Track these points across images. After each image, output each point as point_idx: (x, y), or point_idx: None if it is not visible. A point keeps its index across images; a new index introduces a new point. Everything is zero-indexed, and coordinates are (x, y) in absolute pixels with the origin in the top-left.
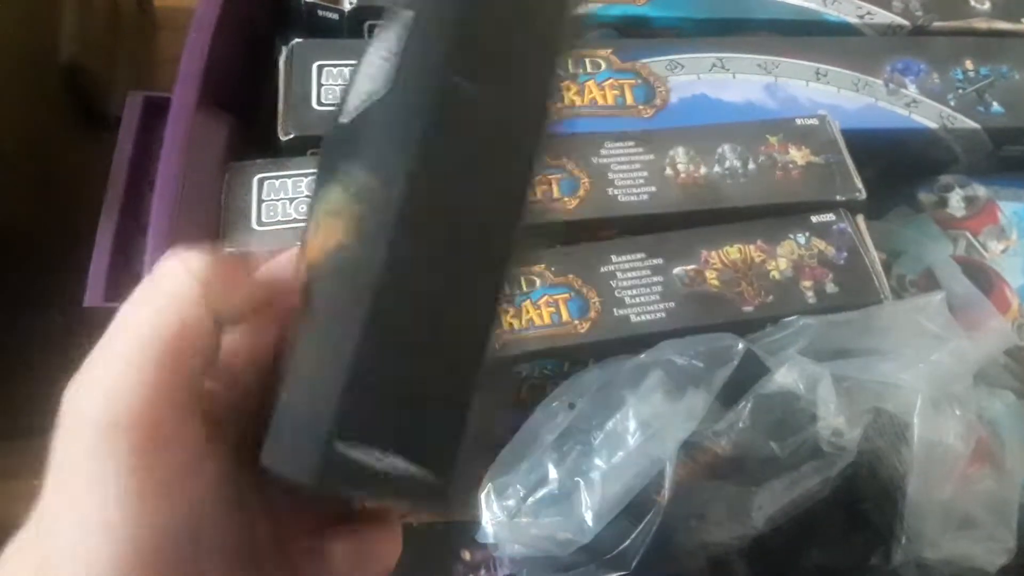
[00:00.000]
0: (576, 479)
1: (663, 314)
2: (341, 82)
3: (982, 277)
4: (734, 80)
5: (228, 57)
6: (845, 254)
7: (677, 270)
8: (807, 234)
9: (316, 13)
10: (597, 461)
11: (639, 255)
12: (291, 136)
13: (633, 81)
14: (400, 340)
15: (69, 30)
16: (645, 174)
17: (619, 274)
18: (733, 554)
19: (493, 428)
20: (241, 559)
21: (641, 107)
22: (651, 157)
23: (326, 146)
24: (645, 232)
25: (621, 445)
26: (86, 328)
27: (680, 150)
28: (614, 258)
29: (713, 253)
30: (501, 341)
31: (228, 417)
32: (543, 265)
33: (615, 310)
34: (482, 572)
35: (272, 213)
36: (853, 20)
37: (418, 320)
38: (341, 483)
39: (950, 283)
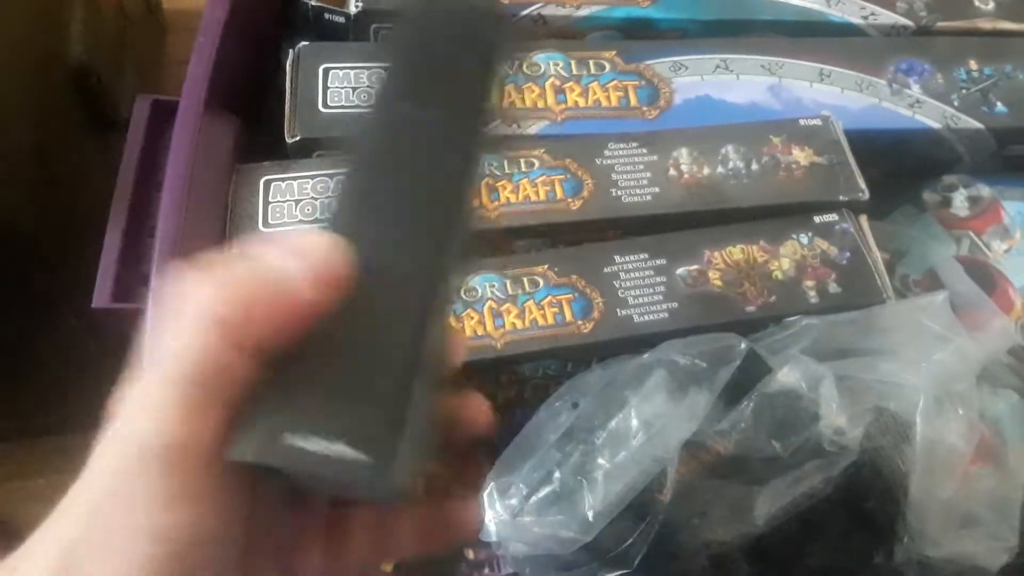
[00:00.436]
0: (579, 478)
1: (666, 314)
2: (347, 85)
3: (985, 277)
4: (738, 81)
5: (235, 60)
6: (848, 254)
7: (680, 270)
8: (810, 234)
9: (323, 16)
10: (600, 460)
11: (642, 255)
12: (298, 139)
13: (637, 83)
14: (340, 339)
15: (78, 33)
16: (649, 175)
17: (622, 274)
18: (735, 553)
19: (438, 421)
20: (247, 564)
21: (645, 108)
22: (655, 158)
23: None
24: (648, 232)
25: (624, 444)
26: (93, 329)
27: (683, 151)
28: (617, 258)
29: (716, 253)
30: (447, 343)
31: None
32: (546, 266)
33: (618, 310)
34: (486, 570)
35: (279, 215)
36: (857, 21)
37: (358, 319)
38: (295, 468)
39: (953, 283)
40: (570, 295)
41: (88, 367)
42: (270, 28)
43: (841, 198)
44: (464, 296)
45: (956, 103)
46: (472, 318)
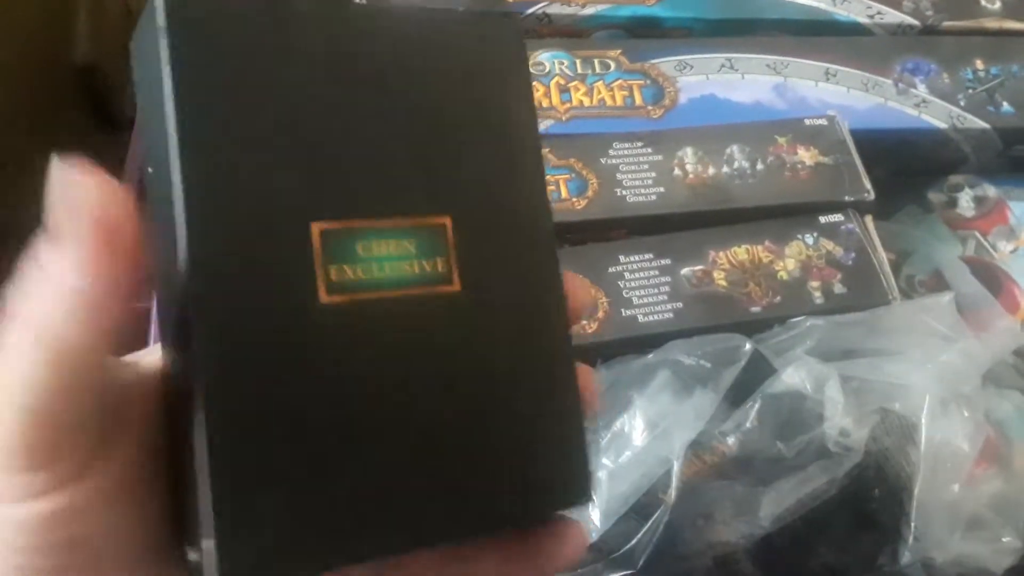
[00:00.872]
0: None
1: (671, 314)
2: None
3: (991, 277)
4: (743, 80)
5: None
6: (853, 255)
7: (685, 270)
8: (815, 235)
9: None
10: (604, 460)
11: (647, 255)
12: None
13: (642, 82)
14: None
15: (83, 33)
16: (653, 174)
17: (627, 274)
18: (740, 554)
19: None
20: (140, 554)
21: (650, 108)
22: (659, 157)
23: None
24: (653, 232)
25: (628, 444)
26: None
27: (689, 150)
28: (622, 258)
29: (721, 253)
30: None
31: (132, 416)
32: None
33: (623, 310)
34: None
35: None
36: (863, 20)
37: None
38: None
39: (959, 283)
40: None
41: None
42: None
43: (846, 198)
44: None
45: (962, 103)
46: None
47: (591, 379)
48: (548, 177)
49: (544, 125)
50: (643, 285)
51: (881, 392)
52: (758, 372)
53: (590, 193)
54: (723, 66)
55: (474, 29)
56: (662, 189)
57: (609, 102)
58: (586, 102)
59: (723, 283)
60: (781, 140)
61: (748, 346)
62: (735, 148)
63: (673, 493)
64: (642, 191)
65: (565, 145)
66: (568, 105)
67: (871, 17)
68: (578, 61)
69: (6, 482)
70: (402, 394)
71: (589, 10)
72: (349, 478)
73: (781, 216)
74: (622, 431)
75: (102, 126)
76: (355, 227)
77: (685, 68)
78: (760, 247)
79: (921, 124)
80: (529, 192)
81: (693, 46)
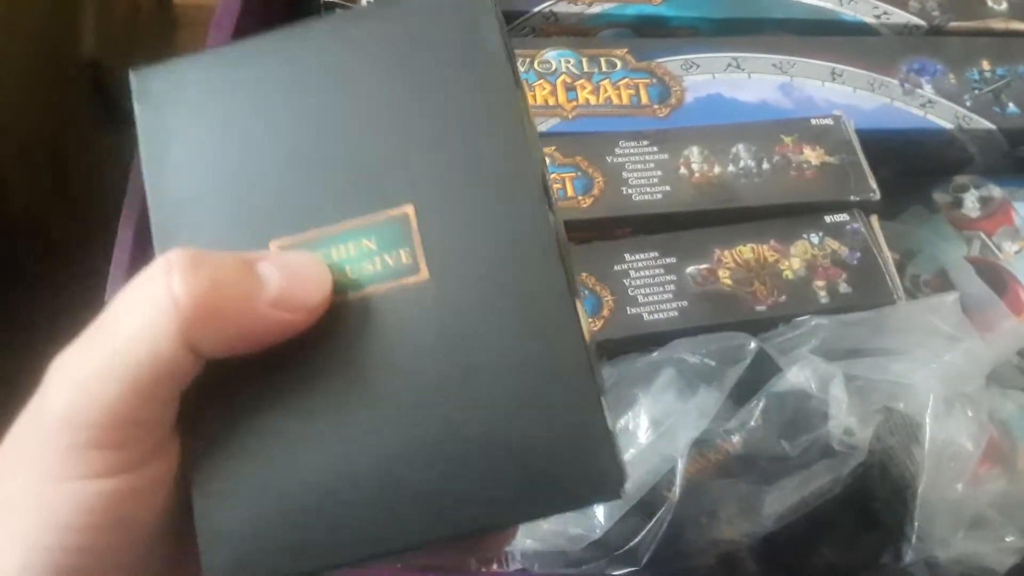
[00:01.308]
0: None
1: (676, 313)
2: None
3: (996, 278)
4: (749, 80)
5: None
6: (858, 254)
7: (690, 269)
8: (821, 234)
9: (334, 11)
10: None
11: (652, 254)
12: None
13: (648, 80)
14: None
15: (90, 27)
16: (659, 173)
17: (632, 272)
18: (743, 552)
19: None
20: (168, 543)
21: (656, 106)
22: (665, 156)
23: None
24: (659, 231)
25: (633, 442)
26: None
27: (694, 149)
28: (627, 256)
29: (726, 252)
30: None
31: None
32: None
33: (628, 308)
34: (494, 565)
35: None
36: (869, 20)
37: None
38: None
39: (964, 284)
40: (581, 293)
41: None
42: (281, 22)
43: (852, 198)
44: None
45: (968, 103)
46: None
47: None
48: (554, 175)
49: (550, 123)
50: (648, 283)
51: (885, 391)
52: (763, 371)
53: (596, 191)
54: (729, 65)
55: (426, 9)
56: (668, 188)
57: (615, 101)
58: (592, 101)
59: (728, 282)
60: (787, 139)
61: (753, 345)
62: (741, 147)
63: (677, 491)
64: (648, 190)
65: (571, 143)
66: (574, 104)
67: (877, 17)
68: (584, 60)
69: (81, 457)
70: (378, 393)
71: (595, 9)
72: (325, 484)
73: (786, 215)
74: (626, 429)
75: (108, 122)
76: (309, 238)
77: (691, 67)
78: (765, 246)
79: (927, 124)
80: (503, 153)
81: (699, 45)
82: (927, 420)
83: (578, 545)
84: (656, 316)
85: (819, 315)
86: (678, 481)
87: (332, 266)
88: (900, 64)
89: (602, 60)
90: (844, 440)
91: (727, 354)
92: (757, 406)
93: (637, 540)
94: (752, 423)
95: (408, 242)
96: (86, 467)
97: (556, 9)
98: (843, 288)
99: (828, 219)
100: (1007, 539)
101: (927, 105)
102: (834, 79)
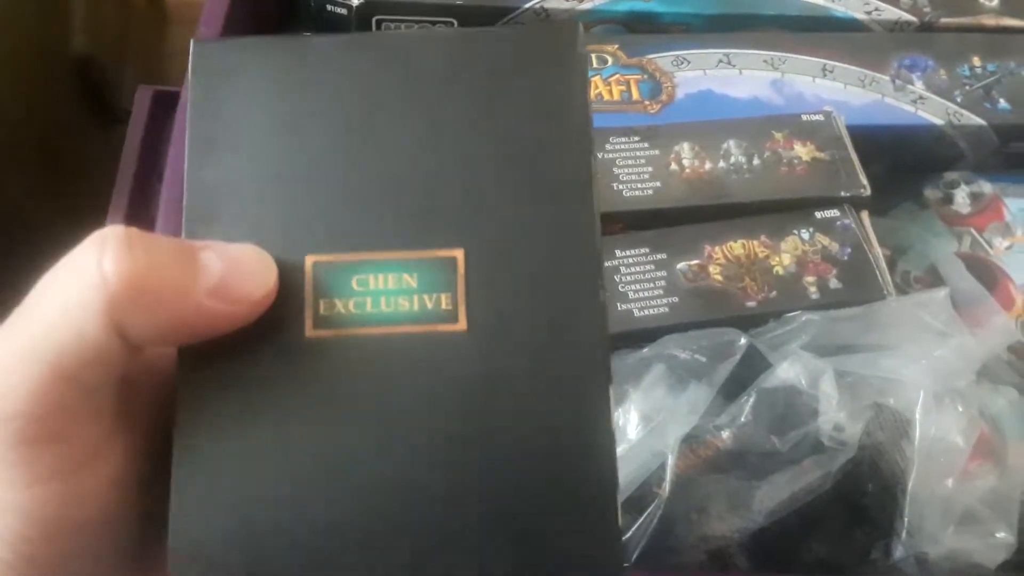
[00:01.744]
0: None
1: (666, 309)
2: None
3: (986, 274)
4: (740, 76)
5: None
6: (849, 250)
7: (681, 265)
8: (811, 230)
9: (325, 8)
10: None
11: (643, 250)
12: None
13: (639, 76)
14: None
15: (80, 23)
16: (650, 169)
17: (623, 268)
18: (733, 547)
19: None
20: (138, 547)
21: (647, 102)
22: (656, 152)
23: None
24: (649, 227)
25: (623, 438)
26: None
27: (685, 145)
28: (618, 252)
29: (717, 248)
30: None
31: (140, 406)
32: None
33: (618, 304)
34: None
35: None
36: (860, 16)
37: None
38: None
39: (954, 279)
40: None
41: None
42: (272, 20)
43: (843, 194)
44: None
45: (959, 99)
46: None
47: None
48: None
49: None
50: (639, 279)
51: (875, 387)
52: (753, 367)
53: None
54: (720, 61)
55: (506, 42)
56: (658, 184)
57: (606, 96)
58: None
59: (719, 278)
60: (778, 135)
61: (743, 341)
62: (732, 143)
63: (667, 487)
64: (638, 185)
65: None
66: None
67: (868, 13)
68: None
69: (13, 457)
70: (377, 439)
71: (587, 5)
72: (309, 523)
73: (777, 211)
74: (616, 425)
75: (98, 118)
76: (350, 260)
77: (682, 63)
78: (756, 242)
79: (918, 120)
80: (569, 223)
81: (691, 41)
82: (917, 416)
83: None
84: (646, 312)
85: (809, 311)
86: (668, 477)
87: (367, 293)
88: (891, 60)
89: (593, 56)
90: (834, 436)
91: (717, 350)
92: (747, 402)
93: (627, 536)
94: (742, 419)
95: (451, 287)
96: (23, 470)
97: (547, 5)
98: (833, 284)
99: (819, 215)
100: (997, 535)
101: (918, 101)
102: (825, 75)
